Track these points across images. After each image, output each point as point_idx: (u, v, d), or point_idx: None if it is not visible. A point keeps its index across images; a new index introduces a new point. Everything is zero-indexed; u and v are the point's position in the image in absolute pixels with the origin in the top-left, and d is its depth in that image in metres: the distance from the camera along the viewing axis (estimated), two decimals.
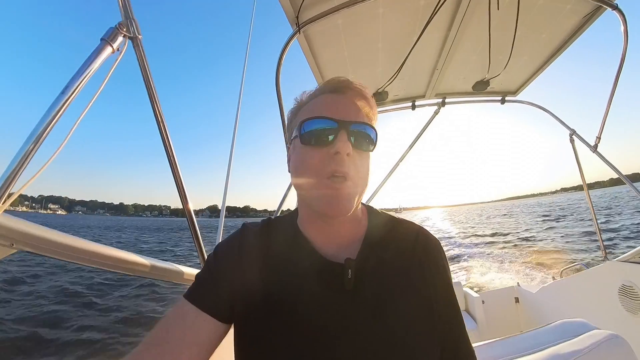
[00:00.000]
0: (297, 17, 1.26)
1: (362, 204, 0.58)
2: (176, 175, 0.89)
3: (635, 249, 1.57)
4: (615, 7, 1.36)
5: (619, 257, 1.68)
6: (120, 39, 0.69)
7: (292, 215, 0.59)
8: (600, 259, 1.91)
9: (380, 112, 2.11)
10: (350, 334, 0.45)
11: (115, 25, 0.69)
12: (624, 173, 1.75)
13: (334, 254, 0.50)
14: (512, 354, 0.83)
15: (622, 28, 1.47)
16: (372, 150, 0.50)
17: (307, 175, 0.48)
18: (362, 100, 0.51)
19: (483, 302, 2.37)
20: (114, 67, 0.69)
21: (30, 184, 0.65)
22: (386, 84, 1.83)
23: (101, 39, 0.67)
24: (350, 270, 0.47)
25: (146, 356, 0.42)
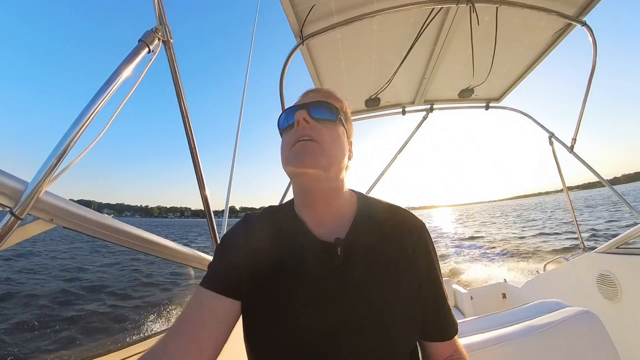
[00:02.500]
0: (301, 31, 1.41)
1: (352, 190, 0.64)
2: (198, 173, 0.99)
3: (611, 241, 1.70)
4: (584, 24, 1.54)
5: (597, 249, 1.81)
6: (155, 41, 0.76)
7: (290, 202, 0.64)
8: (579, 251, 2.04)
9: (372, 117, 2.26)
10: (339, 306, 0.50)
11: (152, 29, 0.76)
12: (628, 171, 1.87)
13: (326, 234, 0.56)
14: (491, 327, 0.91)
15: (591, 42, 1.65)
16: (334, 121, 0.57)
17: (284, 151, 0.56)
18: (326, 94, 0.60)
19: (471, 297, 2.46)
20: (149, 65, 0.76)
21: (71, 167, 0.73)
22: (378, 92, 1.99)
23: (139, 40, 0.74)
24: (339, 248, 0.52)
25: (173, 339, 0.47)
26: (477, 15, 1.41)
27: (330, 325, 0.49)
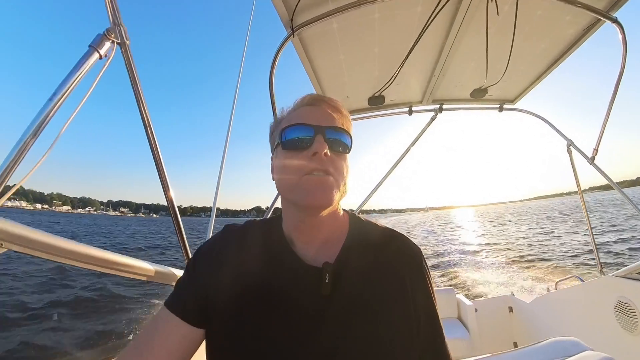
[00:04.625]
0: (292, 20, 1.27)
1: (344, 210, 0.59)
2: (162, 176, 0.91)
3: (633, 265, 1.53)
4: (615, 20, 1.36)
5: (616, 272, 1.64)
6: (108, 44, 0.71)
7: (277, 218, 0.59)
8: (596, 272, 1.87)
9: (376, 116, 2.11)
10: (323, 342, 0.45)
11: (104, 32, 0.71)
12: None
13: (313, 258, 0.51)
14: None
15: (621, 41, 1.46)
16: (347, 152, 0.54)
17: (290, 176, 0.49)
18: (336, 111, 0.55)
19: (476, 310, 2.33)
20: (102, 71, 0.72)
21: (25, 181, 0.67)
22: (382, 89, 1.83)
23: (89, 46, 0.69)
24: (327, 275, 0.47)
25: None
26: (496, 4, 1.23)
27: None
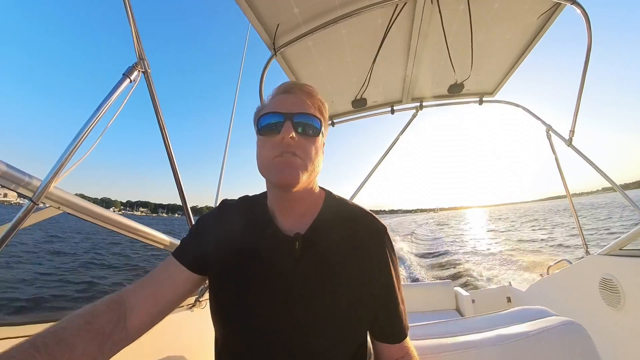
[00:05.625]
0: (274, 43, 1.56)
1: (321, 188, 0.67)
2: (177, 181, 1.18)
3: (614, 242, 1.53)
4: (573, 1, 1.37)
5: (600, 251, 1.64)
6: (135, 72, 0.96)
7: (265, 194, 0.67)
8: (582, 253, 1.85)
9: (360, 117, 2.32)
10: (293, 294, 0.55)
11: (133, 64, 0.99)
12: None
13: (289, 228, 0.60)
14: (463, 332, 0.85)
15: (584, 22, 1.47)
16: (317, 135, 0.58)
17: (264, 158, 0.56)
18: (309, 97, 0.60)
19: (473, 301, 2.36)
20: (131, 92, 0.98)
21: (71, 170, 0.98)
22: (362, 92, 2.05)
23: (123, 74, 0.95)
24: (297, 242, 0.57)
25: (141, 288, 0.56)
26: (438, 4, 1.37)
27: (280, 313, 0.54)
